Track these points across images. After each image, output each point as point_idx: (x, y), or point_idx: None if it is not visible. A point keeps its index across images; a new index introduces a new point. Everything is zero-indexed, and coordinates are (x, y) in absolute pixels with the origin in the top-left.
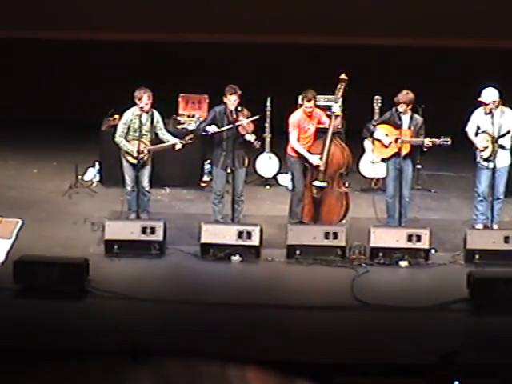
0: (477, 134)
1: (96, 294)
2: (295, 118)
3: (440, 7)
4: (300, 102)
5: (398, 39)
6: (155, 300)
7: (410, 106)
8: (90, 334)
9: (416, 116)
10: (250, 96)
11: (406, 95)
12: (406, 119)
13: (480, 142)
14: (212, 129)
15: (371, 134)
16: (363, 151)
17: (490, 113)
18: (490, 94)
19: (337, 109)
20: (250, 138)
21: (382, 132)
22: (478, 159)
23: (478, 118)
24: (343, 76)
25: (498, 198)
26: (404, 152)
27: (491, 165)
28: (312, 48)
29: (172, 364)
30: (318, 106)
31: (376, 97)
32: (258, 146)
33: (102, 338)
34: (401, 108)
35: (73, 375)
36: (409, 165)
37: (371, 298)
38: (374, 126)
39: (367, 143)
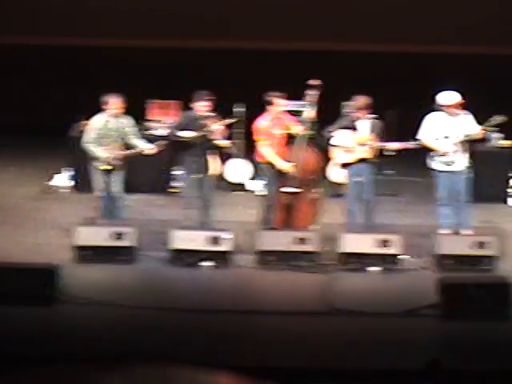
0: (435, 138)
1: (66, 300)
2: (261, 124)
3: (411, 14)
4: (267, 106)
5: (369, 45)
6: (126, 306)
7: (366, 111)
8: (60, 341)
9: (376, 120)
10: (221, 101)
11: (362, 101)
12: (365, 124)
13: (442, 146)
14: (184, 134)
15: (328, 140)
16: (332, 156)
17: (454, 115)
18: (451, 97)
19: (309, 115)
20: (221, 143)
21: (344, 138)
22: (433, 164)
23: (434, 122)
24: (316, 82)
25: (464, 201)
26: (369, 157)
27: (451, 168)
28: (283, 53)
29: (144, 369)
30: (287, 111)
31: (344, 103)
32: (228, 152)
33: (72, 344)
34: (358, 114)
35: (45, 380)
36: (372, 169)
37: (342, 304)
38: (330, 132)
39: (333, 149)
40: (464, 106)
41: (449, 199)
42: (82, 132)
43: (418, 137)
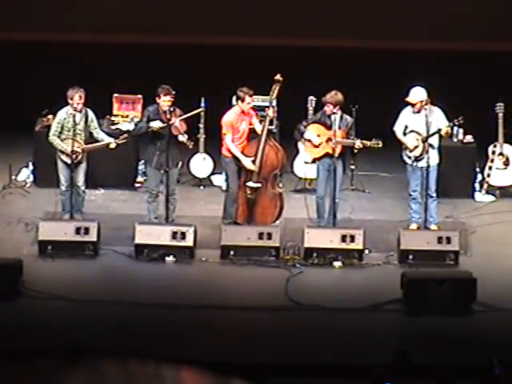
0: (405, 133)
1: (30, 294)
2: (228, 118)
3: (375, 9)
4: (236, 101)
5: (333, 40)
6: (89, 301)
7: (337, 107)
8: (24, 335)
9: (346, 116)
10: (183, 96)
11: (333, 96)
12: (336, 119)
13: (410, 141)
14: (157, 124)
15: (301, 134)
16: (297, 152)
17: (419, 112)
18: (417, 94)
19: (271, 111)
20: (183, 138)
21: (314, 132)
22: (406, 159)
23: (406, 117)
24: (278, 77)
25: (432, 196)
26: (337, 152)
27: (420, 164)
28: (246, 48)
29: (107, 364)
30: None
31: (310, 97)
32: (190, 146)
33: (36, 338)
34: (327, 108)
35: (7, 376)
36: (340, 165)
37: (305, 299)
38: (305, 126)
39: (301, 144)
40: (428, 102)
41: (418, 194)
42: (46, 126)
43: (394, 128)
